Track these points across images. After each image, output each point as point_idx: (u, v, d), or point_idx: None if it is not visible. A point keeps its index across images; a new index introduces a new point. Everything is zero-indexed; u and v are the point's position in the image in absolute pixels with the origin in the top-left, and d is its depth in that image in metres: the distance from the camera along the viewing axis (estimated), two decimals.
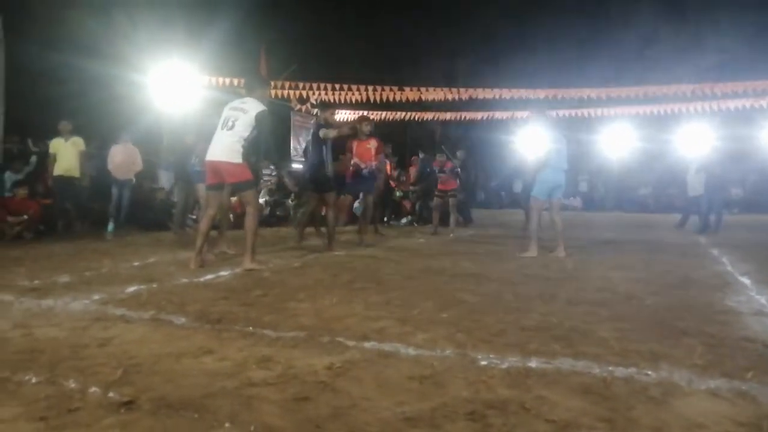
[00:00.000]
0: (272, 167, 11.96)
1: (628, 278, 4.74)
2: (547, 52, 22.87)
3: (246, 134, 4.83)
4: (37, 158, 9.37)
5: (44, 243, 7.12)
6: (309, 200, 7.09)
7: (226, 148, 4.85)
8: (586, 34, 23.29)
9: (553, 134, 6.26)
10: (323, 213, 7.31)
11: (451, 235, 9.08)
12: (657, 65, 21.12)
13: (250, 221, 4.94)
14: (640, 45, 22.90)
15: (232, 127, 4.84)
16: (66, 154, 8.23)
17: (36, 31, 12.12)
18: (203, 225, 5.10)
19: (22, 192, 8.01)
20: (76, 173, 8.31)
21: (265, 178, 12.58)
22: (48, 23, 13.88)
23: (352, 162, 7.42)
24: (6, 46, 9.38)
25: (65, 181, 8.24)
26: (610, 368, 2.29)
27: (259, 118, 4.85)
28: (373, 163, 7.47)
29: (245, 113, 4.87)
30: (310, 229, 7.74)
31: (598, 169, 23.83)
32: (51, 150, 8.32)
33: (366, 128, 7.56)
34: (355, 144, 7.54)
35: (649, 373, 2.24)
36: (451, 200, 9.55)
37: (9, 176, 8.60)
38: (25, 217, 7.77)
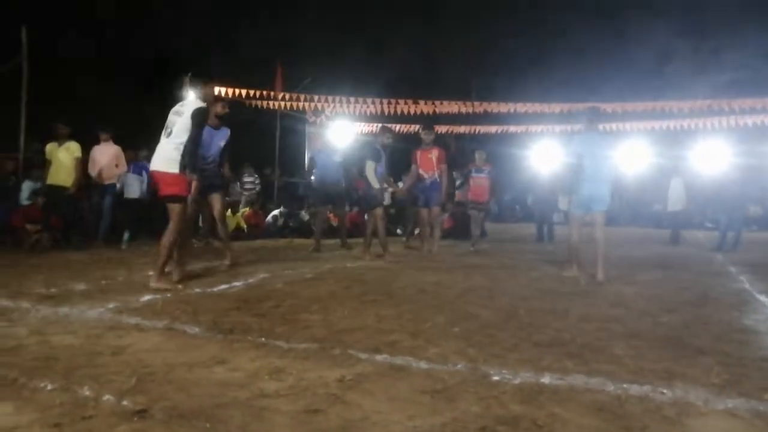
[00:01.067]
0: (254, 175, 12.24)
1: (642, 295, 4.69)
2: (562, 67, 22.92)
3: (183, 139, 4.44)
4: None
5: (61, 251, 7.21)
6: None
7: (162, 156, 4.51)
8: (603, 50, 23.30)
9: (583, 146, 5.62)
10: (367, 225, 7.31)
11: (472, 248, 8.87)
12: (674, 81, 21.02)
13: (166, 237, 4.48)
14: (656, 61, 22.86)
15: (170, 133, 4.49)
16: (58, 161, 7.54)
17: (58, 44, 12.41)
18: (167, 239, 4.63)
19: (41, 200, 8.12)
20: (68, 182, 7.52)
21: (247, 186, 12.54)
22: (71, 38, 14.21)
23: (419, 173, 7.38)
24: (29, 58, 9.57)
25: (54, 191, 7.57)
26: (625, 386, 2.26)
27: (193, 115, 4.45)
28: (436, 173, 7.34)
29: (181, 116, 4.49)
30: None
31: (613, 184, 23.66)
32: (46, 155, 7.68)
33: (427, 137, 7.47)
34: (418, 154, 7.47)
35: (664, 391, 2.21)
36: (478, 214, 9.34)
37: (28, 185, 8.73)
38: (40, 225, 7.86)
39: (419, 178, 7.39)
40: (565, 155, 5.80)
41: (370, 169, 6.80)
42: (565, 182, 5.91)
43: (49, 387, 2.09)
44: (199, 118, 4.49)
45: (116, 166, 8.25)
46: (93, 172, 8.14)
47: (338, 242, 8.68)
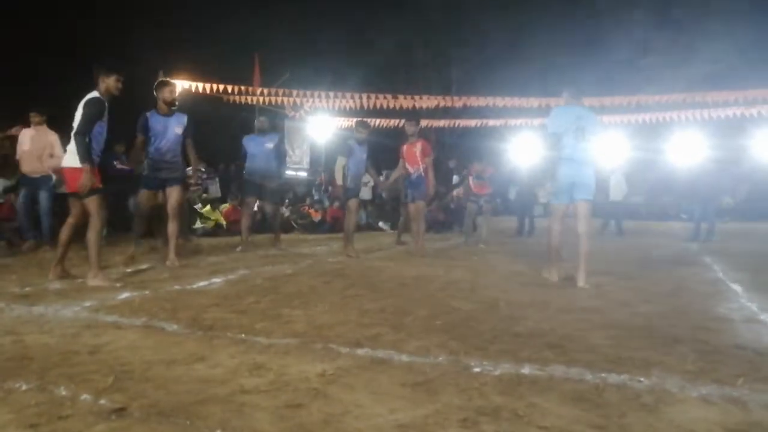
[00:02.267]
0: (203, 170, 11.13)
1: (620, 286, 4.76)
2: (540, 60, 23.02)
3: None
4: None
5: (35, 249, 7.06)
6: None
7: (68, 152, 4.37)
8: (579, 43, 23.47)
9: (562, 120, 4.73)
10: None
11: (482, 245, 8.52)
12: (649, 75, 21.29)
13: (89, 232, 4.37)
14: (632, 54, 23.08)
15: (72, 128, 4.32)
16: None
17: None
18: (62, 234, 4.60)
19: (13, 198, 7.95)
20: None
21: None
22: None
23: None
24: None
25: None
26: (603, 375, 2.29)
27: (82, 105, 4.29)
28: (421, 167, 7.12)
29: (79, 108, 4.33)
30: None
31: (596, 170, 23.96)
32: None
33: (409, 129, 7.21)
34: (404, 148, 7.25)
35: (642, 379, 2.24)
36: (485, 206, 9.12)
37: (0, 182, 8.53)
38: (16, 223, 7.71)
39: (406, 173, 7.27)
40: (543, 132, 4.77)
41: (339, 165, 6.79)
42: (542, 165, 4.79)
43: (24, 387, 2.05)
44: (87, 108, 4.28)
45: (51, 156, 6.99)
46: (20, 159, 7.08)
47: (278, 239, 7.70)
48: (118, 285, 4.33)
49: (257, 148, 7.19)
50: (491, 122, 17.01)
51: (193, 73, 12.05)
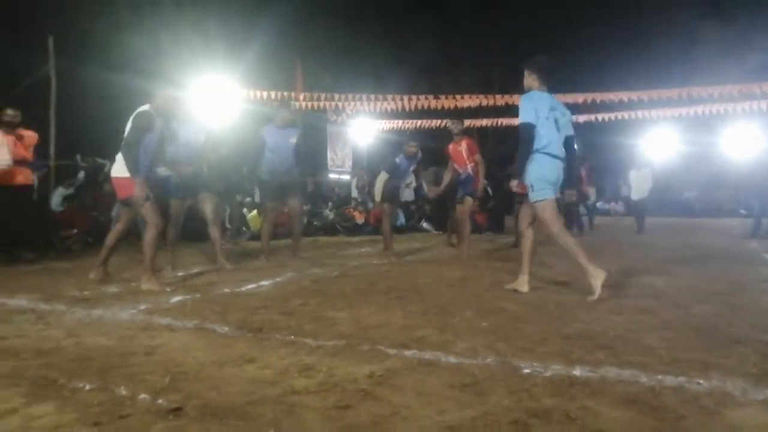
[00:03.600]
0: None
1: (673, 285, 4.60)
2: (586, 55, 22.54)
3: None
4: (86, 173, 9.68)
5: (92, 255, 7.36)
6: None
7: (117, 162, 4.52)
8: (627, 37, 22.86)
9: (540, 107, 4.10)
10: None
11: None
12: (702, 66, 20.51)
13: (146, 237, 4.54)
14: (683, 47, 22.32)
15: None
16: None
17: (85, 52, 12.67)
18: (109, 239, 4.80)
19: (72, 206, 8.33)
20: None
21: None
22: (97, 44, 14.51)
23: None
24: (56, 68, 9.80)
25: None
26: (658, 377, 2.22)
27: (131, 119, 4.44)
28: (469, 166, 6.87)
29: (130, 120, 4.48)
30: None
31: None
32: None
33: (454, 128, 6.98)
34: (450, 148, 7.05)
35: (701, 382, 2.16)
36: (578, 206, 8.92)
37: (60, 192, 8.94)
38: (75, 230, 8.07)
39: (456, 173, 7.07)
40: (520, 118, 4.11)
41: (380, 181, 6.88)
42: (521, 156, 4.11)
43: (87, 387, 2.14)
44: (134, 121, 4.43)
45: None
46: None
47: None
48: (169, 289, 4.47)
49: (281, 142, 6.31)
50: None
51: (236, 80, 12.33)
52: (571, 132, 4.26)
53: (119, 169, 4.50)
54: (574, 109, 15.10)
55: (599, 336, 2.90)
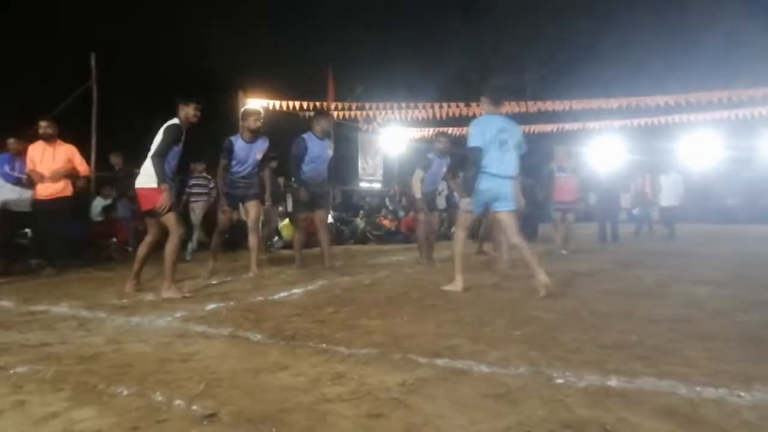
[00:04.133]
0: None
1: (715, 294, 4.46)
2: (623, 59, 22.12)
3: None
4: (124, 184, 9.95)
5: (130, 264, 7.56)
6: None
7: (141, 173, 4.67)
8: (667, 41, 22.34)
9: (487, 131, 4.54)
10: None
11: (564, 252, 8.07)
12: (744, 68, 19.88)
13: (168, 246, 4.61)
14: (724, 48, 21.67)
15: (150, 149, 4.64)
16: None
17: (124, 68, 13.11)
18: (140, 251, 4.93)
19: (111, 216, 8.58)
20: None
21: (195, 191, 9.29)
22: (135, 60, 14.98)
23: None
24: (98, 82, 10.18)
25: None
26: (698, 389, 2.16)
27: (161, 131, 4.61)
28: None
29: (159, 133, 4.64)
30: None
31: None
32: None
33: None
34: None
35: (743, 394, 2.09)
36: (569, 215, 8.48)
37: (99, 201, 9.22)
38: (114, 239, 8.31)
39: None
40: (468, 143, 4.58)
41: (416, 178, 6.75)
42: (466, 179, 4.56)
43: (126, 392, 2.20)
44: (166, 134, 4.59)
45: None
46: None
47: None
48: (188, 295, 4.58)
49: (321, 152, 6.35)
50: (567, 126, 16.52)
51: (269, 90, 12.54)
52: (522, 150, 4.70)
53: (144, 180, 4.63)
54: (609, 114, 14.88)
55: (636, 345, 2.84)
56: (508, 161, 4.59)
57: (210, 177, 8.97)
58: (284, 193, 10.52)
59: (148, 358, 2.71)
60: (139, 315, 3.82)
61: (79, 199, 7.36)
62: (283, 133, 8.12)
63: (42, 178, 6.35)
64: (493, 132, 4.54)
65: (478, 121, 4.65)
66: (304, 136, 6.32)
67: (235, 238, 9.44)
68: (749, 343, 2.86)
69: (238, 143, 5.79)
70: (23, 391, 2.24)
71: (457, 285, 4.74)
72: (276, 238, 10.51)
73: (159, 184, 4.51)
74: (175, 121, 4.71)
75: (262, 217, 8.96)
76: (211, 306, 4.16)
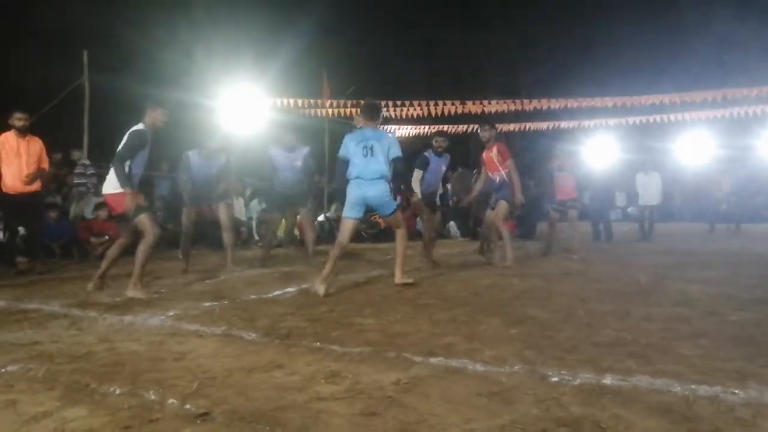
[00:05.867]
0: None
1: (709, 293, 4.47)
2: (617, 59, 22.19)
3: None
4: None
5: (123, 262, 7.52)
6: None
7: (107, 179, 4.63)
8: (660, 41, 22.41)
9: (352, 143, 4.98)
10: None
11: (575, 256, 7.75)
12: (737, 68, 19.97)
13: (140, 246, 4.58)
14: (717, 49, 21.76)
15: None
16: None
17: (117, 65, 13.04)
18: (111, 251, 4.87)
19: (103, 214, 8.51)
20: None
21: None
22: (129, 57, 14.91)
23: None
24: (90, 80, 10.13)
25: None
26: (692, 387, 2.16)
27: (127, 135, 4.56)
28: (503, 172, 6.65)
29: (124, 138, 4.59)
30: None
31: (672, 178, 22.70)
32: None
33: (483, 135, 6.80)
34: (483, 155, 6.89)
35: (737, 392, 2.09)
36: (571, 212, 8.33)
37: (92, 200, 9.16)
38: (107, 237, 8.26)
39: (489, 180, 6.88)
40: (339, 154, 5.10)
41: (416, 178, 6.69)
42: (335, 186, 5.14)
43: (118, 391, 2.18)
44: (128, 139, 4.55)
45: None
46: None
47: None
48: (155, 296, 4.56)
49: (288, 162, 6.81)
50: (563, 124, 16.56)
51: (264, 88, 12.51)
52: (393, 155, 4.98)
53: (110, 185, 4.59)
54: (604, 112, 14.92)
55: (631, 344, 2.84)
56: (372, 167, 4.91)
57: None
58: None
59: (140, 357, 2.69)
60: (131, 314, 3.79)
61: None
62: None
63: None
64: (358, 140, 4.97)
65: (348, 136, 5.16)
66: (270, 150, 6.84)
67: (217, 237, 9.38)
68: (743, 341, 2.87)
69: (194, 158, 6.27)
70: (14, 390, 2.22)
71: (319, 286, 4.60)
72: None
73: (122, 187, 4.45)
74: (140, 126, 4.65)
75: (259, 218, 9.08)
76: (204, 305, 4.14)
